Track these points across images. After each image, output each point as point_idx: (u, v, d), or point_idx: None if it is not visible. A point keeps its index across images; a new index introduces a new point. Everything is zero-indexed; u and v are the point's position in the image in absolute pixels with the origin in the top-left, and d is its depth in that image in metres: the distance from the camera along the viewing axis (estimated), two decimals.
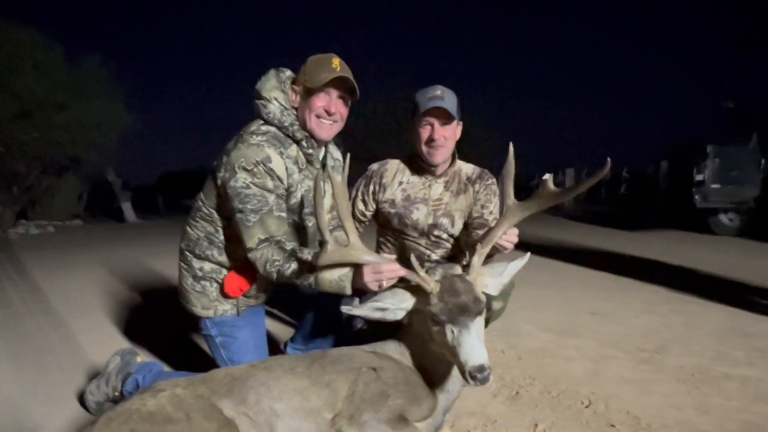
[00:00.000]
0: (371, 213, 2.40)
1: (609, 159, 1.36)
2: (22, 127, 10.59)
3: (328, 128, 1.92)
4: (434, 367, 1.64)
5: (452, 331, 1.46)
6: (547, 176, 1.53)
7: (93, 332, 3.23)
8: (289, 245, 1.74)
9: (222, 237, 1.94)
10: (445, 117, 2.14)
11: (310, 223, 2.01)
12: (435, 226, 2.27)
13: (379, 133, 15.36)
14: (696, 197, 7.51)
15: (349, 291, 1.64)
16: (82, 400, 2.11)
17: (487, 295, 1.63)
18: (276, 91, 1.90)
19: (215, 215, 1.92)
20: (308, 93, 1.87)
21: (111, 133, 12.01)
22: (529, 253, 1.71)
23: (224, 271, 1.95)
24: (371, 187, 2.35)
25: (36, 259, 6.74)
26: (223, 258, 1.95)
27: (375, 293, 1.62)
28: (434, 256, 2.31)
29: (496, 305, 2.27)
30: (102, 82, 11.63)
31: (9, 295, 4.45)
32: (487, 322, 2.31)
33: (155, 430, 1.34)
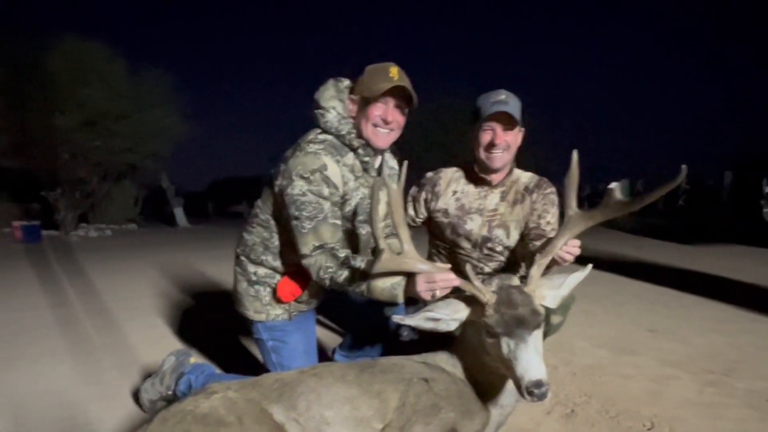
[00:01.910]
0: (420, 220, 2.37)
1: (684, 167, 1.27)
2: (86, 136, 11.20)
3: (384, 137, 1.92)
4: (487, 380, 1.59)
5: (508, 344, 1.41)
6: (614, 185, 1.45)
7: (146, 333, 3.33)
8: (343, 252, 1.74)
9: (277, 243, 1.96)
10: (508, 122, 2.08)
11: (363, 230, 2.00)
12: (489, 238, 2.20)
13: (424, 142, 15.30)
14: (765, 210, 7.08)
15: (401, 300, 1.61)
16: (136, 397, 2.17)
17: (546, 309, 1.56)
18: (334, 101, 1.91)
19: (271, 221, 1.95)
20: (366, 102, 1.88)
21: (167, 142, 12.54)
22: (590, 265, 1.63)
23: (278, 276, 1.98)
24: (423, 195, 2.31)
25: (94, 261, 7.06)
26: (277, 263, 1.97)
27: (427, 303, 1.58)
28: (487, 269, 2.24)
29: (555, 319, 2.17)
30: (161, 92, 12.17)
31: (69, 295, 4.67)
32: (544, 336, 2.21)
33: (208, 431, 1.35)
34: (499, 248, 2.22)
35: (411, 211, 2.35)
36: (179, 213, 14.78)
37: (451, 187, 2.28)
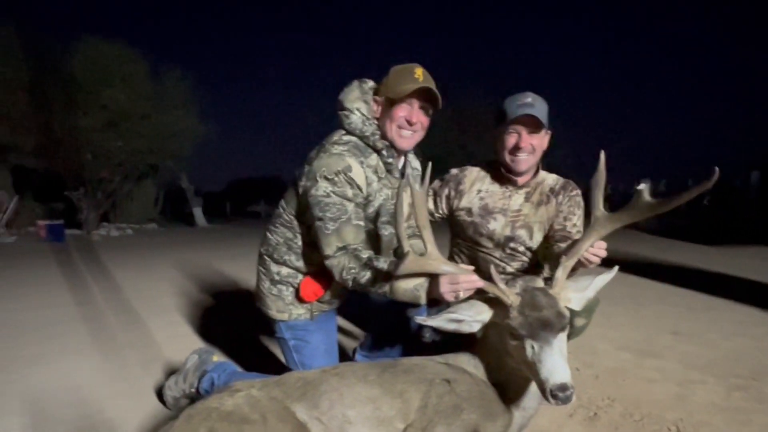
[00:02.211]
0: (440, 216, 2.35)
1: (717, 168, 1.25)
2: (108, 136, 11.42)
3: (408, 138, 1.92)
4: (510, 382, 1.58)
5: (532, 347, 1.40)
6: (643, 185, 1.43)
7: (169, 330, 3.38)
8: (366, 253, 1.74)
9: (300, 243, 1.97)
10: (534, 125, 2.05)
11: (386, 231, 2.00)
12: (512, 238, 2.18)
13: (443, 143, 15.25)
14: None
15: (424, 301, 1.61)
16: (160, 394, 2.20)
17: (571, 311, 1.54)
18: (358, 102, 1.91)
19: (295, 222, 1.96)
20: (390, 103, 1.88)
21: (187, 142, 12.72)
22: (617, 267, 1.61)
23: (300, 276, 1.99)
24: (446, 191, 2.29)
25: (116, 259, 7.19)
26: (300, 263, 1.98)
27: (449, 304, 1.57)
28: (509, 269, 2.22)
29: (579, 322, 2.14)
30: (181, 93, 12.35)
31: (93, 293, 4.76)
32: (568, 339, 2.19)
33: (232, 429, 1.36)
34: (522, 248, 2.20)
35: (431, 206, 2.33)
36: (198, 213, 14.96)
37: (476, 186, 2.26)
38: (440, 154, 14.38)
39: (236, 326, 3.38)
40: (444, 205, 2.31)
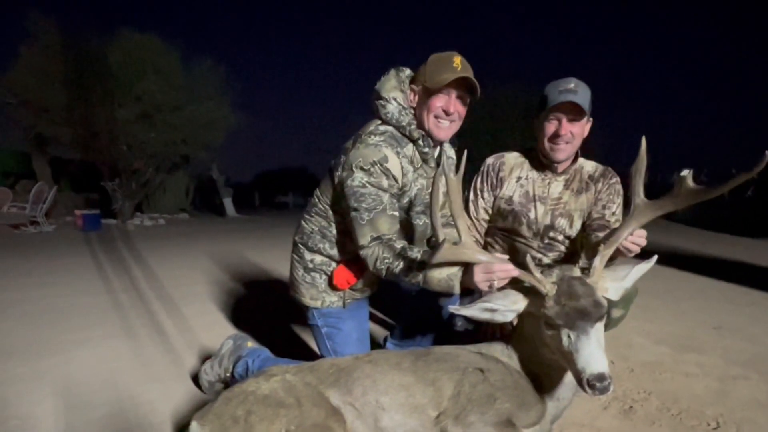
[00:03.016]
0: (486, 219, 2.31)
1: (767, 152, 1.19)
2: (142, 128, 11.68)
3: (446, 128, 1.91)
4: (544, 372, 1.56)
5: (569, 336, 1.37)
6: (686, 172, 1.38)
7: (203, 318, 3.44)
8: (399, 243, 1.74)
9: (334, 231, 1.98)
10: (576, 113, 2.00)
11: (420, 221, 2.00)
12: (551, 227, 2.14)
13: (475, 133, 15.06)
14: None
15: (458, 290, 1.60)
16: (195, 379, 2.25)
17: (608, 302, 1.51)
18: (395, 91, 1.91)
19: (329, 211, 1.97)
20: (427, 93, 1.86)
21: (218, 133, 12.89)
22: (655, 256, 1.57)
23: (334, 264, 2.00)
24: (488, 183, 2.26)
25: (150, 248, 7.36)
26: (334, 252, 1.99)
27: (483, 293, 1.56)
28: (546, 260, 2.18)
29: (616, 313, 2.10)
30: (213, 84, 12.51)
31: (129, 280, 4.88)
32: (604, 329, 2.15)
33: (269, 412, 1.39)
34: (561, 237, 2.15)
35: (482, 203, 2.26)
36: (228, 203, 15.19)
37: (515, 173, 2.22)
38: (472, 144, 14.20)
39: (268, 314, 3.43)
40: (491, 196, 2.26)
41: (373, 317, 3.24)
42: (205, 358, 2.28)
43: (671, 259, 5.57)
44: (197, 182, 15.83)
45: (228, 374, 2.06)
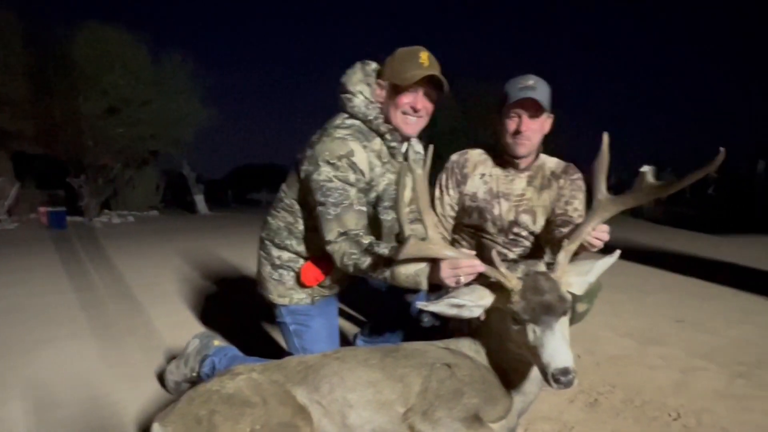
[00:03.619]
0: (452, 216, 2.32)
1: (723, 149, 1.22)
2: (109, 123, 11.37)
3: (414, 124, 1.90)
4: (511, 367, 1.57)
5: (534, 331, 1.39)
6: (646, 168, 1.41)
7: (170, 317, 3.38)
8: (367, 239, 1.73)
9: (301, 227, 1.96)
10: (535, 109, 2.02)
11: (388, 216, 1.99)
12: (516, 222, 2.17)
13: (447, 130, 15.15)
14: None
15: (425, 286, 1.60)
16: (161, 379, 2.20)
17: (573, 297, 1.53)
18: (361, 85, 1.89)
19: (296, 206, 1.95)
20: (395, 89, 1.84)
21: (188, 128, 12.66)
22: (618, 251, 1.59)
23: (301, 261, 1.98)
24: (453, 180, 2.26)
25: (118, 246, 7.19)
26: (301, 248, 1.97)
27: (450, 289, 1.56)
28: (511, 255, 2.21)
29: (581, 307, 2.13)
30: (182, 78, 12.27)
31: (94, 279, 4.76)
32: (569, 324, 2.18)
33: (233, 411, 1.36)
34: (525, 233, 2.18)
35: (448, 200, 2.27)
36: (200, 200, 14.94)
37: (479, 170, 2.24)
38: (445, 140, 14.30)
39: (238, 312, 3.38)
40: (456, 193, 2.27)
41: (344, 313, 3.23)
42: (173, 357, 2.23)
43: (637, 254, 5.71)
44: (168, 179, 15.51)
45: (194, 374, 2.02)
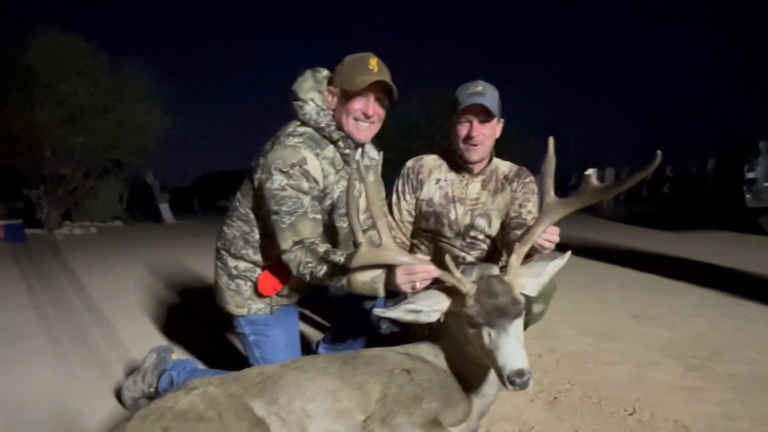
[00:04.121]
0: (410, 221, 2.33)
1: (659, 152, 1.27)
2: (67, 132, 11.05)
3: (366, 130, 1.90)
4: (470, 370, 1.58)
5: (489, 334, 1.40)
6: (590, 171, 1.45)
7: (133, 329, 3.30)
8: (322, 247, 1.72)
9: (257, 236, 1.94)
10: (485, 114, 2.06)
11: (344, 224, 1.99)
12: (472, 226, 2.20)
13: (412, 133, 15.26)
14: (747, 196, 7.13)
15: (382, 293, 1.60)
16: (119, 395, 2.14)
17: (528, 298, 1.56)
18: (312, 92, 1.88)
19: (251, 215, 1.93)
20: (346, 96, 1.84)
21: (150, 137, 12.41)
22: (569, 252, 1.63)
23: (258, 270, 1.96)
24: (410, 184, 2.29)
25: (79, 259, 6.98)
26: (258, 257, 1.95)
27: (407, 295, 1.57)
28: (469, 258, 2.24)
29: (537, 308, 2.18)
30: (142, 86, 12.03)
31: (53, 293, 4.61)
32: (526, 325, 2.22)
33: (188, 428, 1.33)
34: (482, 237, 2.21)
35: (405, 205, 2.29)
36: (165, 209, 14.65)
37: (434, 175, 2.26)
38: (409, 146, 14.41)
39: (202, 323, 3.32)
40: (413, 198, 2.29)
41: (308, 320, 3.21)
42: (132, 372, 2.18)
43: (597, 252, 5.87)
44: (132, 188, 15.16)
45: (152, 389, 1.98)
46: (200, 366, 2.10)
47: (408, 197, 2.29)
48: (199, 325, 3.31)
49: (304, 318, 3.21)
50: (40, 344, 3.05)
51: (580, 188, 1.48)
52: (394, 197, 2.31)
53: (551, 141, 1.54)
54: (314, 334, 2.97)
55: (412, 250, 2.36)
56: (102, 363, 2.67)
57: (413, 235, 2.36)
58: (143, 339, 3.06)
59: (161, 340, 3.03)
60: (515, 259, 1.53)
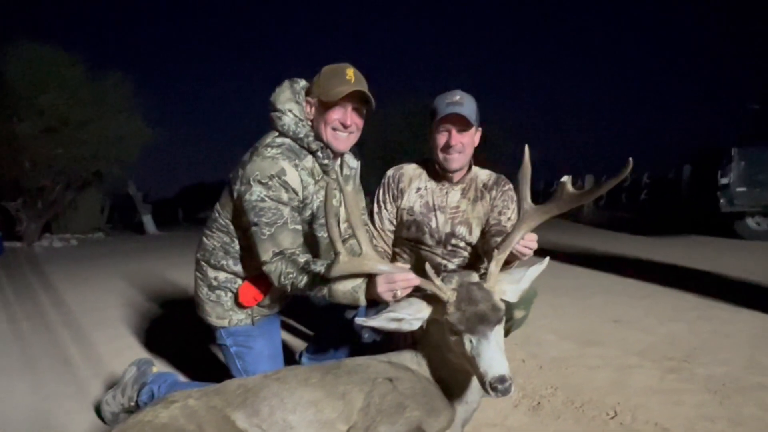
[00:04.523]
0: (391, 229, 2.34)
1: (631, 159, 1.30)
2: (47, 144, 10.87)
3: (344, 140, 1.91)
4: (452, 377, 1.59)
5: (471, 341, 1.41)
6: (566, 178, 1.48)
7: (113, 343, 3.25)
8: (303, 257, 1.72)
9: (237, 247, 1.94)
10: (463, 124, 2.09)
11: (324, 233, 1.99)
12: (452, 234, 2.22)
13: (394, 142, 15.33)
14: (721, 201, 7.28)
15: (363, 302, 1.61)
16: (98, 410, 2.11)
17: (510, 304, 1.57)
18: (290, 103, 1.89)
19: (231, 226, 1.93)
20: (323, 106, 1.86)
21: (132, 148, 12.26)
22: (548, 258, 1.66)
23: (239, 281, 1.95)
24: (391, 193, 2.30)
25: (59, 272, 6.86)
26: (238, 268, 1.94)
27: (389, 304, 1.58)
28: (451, 266, 2.26)
29: (518, 314, 2.20)
30: (123, 97, 11.90)
31: (32, 308, 4.53)
32: (508, 331, 2.24)
33: None
34: (463, 244, 2.23)
35: (385, 214, 2.30)
36: (148, 220, 14.47)
37: (414, 184, 2.28)
38: (392, 156, 14.46)
39: (185, 335, 3.28)
40: (394, 207, 2.31)
41: (292, 329, 3.20)
42: (112, 386, 2.15)
43: (579, 258, 5.93)
44: (114, 199, 14.96)
45: (132, 403, 1.95)
46: (182, 379, 2.08)
47: (389, 206, 2.30)
48: (181, 337, 3.27)
49: (287, 328, 3.20)
50: (15, 360, 2.99)
51: (555, 195, 1.51)
52: (375, 206, 2.33)
53: (527, 149, 1.57)
54: (298, 345, 2.95)
55: (394, 258, 2.37)
56: (80, 378, 2.63)
57: (395, 244, 2.38)
58: (123, 353, 3.02)
59: (142, 354, 2.98)
60: (494, 266, 1.55)
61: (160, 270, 6.55)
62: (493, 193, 2.22)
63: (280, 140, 1.85)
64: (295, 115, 1.87)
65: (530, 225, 1.59)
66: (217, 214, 1.96)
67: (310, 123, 1.91)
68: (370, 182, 2.36)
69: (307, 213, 1.90)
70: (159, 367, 2.19)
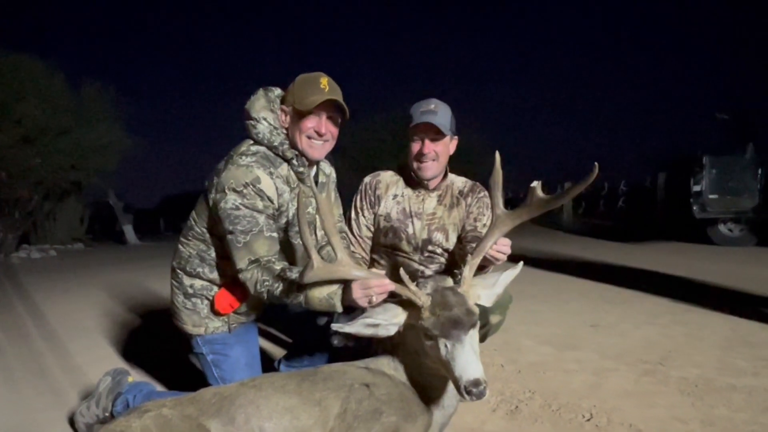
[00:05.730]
0: (369, 236, 2.36)
1: (596, 164, 1.34)
2: (24, 153, 10.66)
3: (319, 148, 1.92)
4: (429, 382, 1.60)
5: (446, 346, 1.43)
6: (535, 183, 1.51)
7: (91, 354, 3.19)
8: (279, 265, 1.73)
9: (213, 255, 1.93)
10: (436, 132, 2.12)
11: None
12: (429, 240, 2.24)
13: (375, 150, 15.38)
14: (694, 208, 7.48)
15: (339, 308, 1.61)
16: (72, 422, 2.07)
17: (486, 309, 1.59)
18: (265, 111, 1.90)
19: (207, 234, 1.92)
20: (298, 115, 1.87)
21: (112, 157, 12.11)
22: (521, 262, 1.69)
23: (215, 288, 1.94)
24: (368, 200, 2.32)
25: (37, 283, 6.72)
26: (214, 275, 1.94)
27: (365, 310, 1.59)
28: (428, 272, 2.28)
29: (494, 319, 2.22)
30: (103, 106, 11.75)
31: (9, 319, 4.42)
32: (485, 336, 2.26)
33: None
34: (439, 251, 2.26)
35: (363, 220, 2.31)
36: (128, 230, 14.26)
37: (391, 191, 2.30)
38: (376, 164, 14.46)
39: (163, 345, 3.23)
40: (371, 213, 2.32)
41: (271, 337, 3.18)
42: (86, 398, 2.11)
43: (557, 264, 6.02)
44: (94, 209, 14.70)
45: (107, 414, 1.92)
46: (158, 388, 2.06)
47: (366, 213, 2.32)
48: (160, 346, 3.23)
49: (266, 335, 3.18)
50: None
51: (526, 200, 1.55)
52: (353, 213, 2.34)
53: (497, 155, 1.61)
54: (277, 352, 2.94)
55: (371, 265, 2.38)
56: (56, 389, 2.58)
57: (372, 250, 2.39)
58: (101, 363, 2.96)
59: (120, 364, 2.94)
60: (468, 270, 1.57)
61: (139, 280, 6.46)
62: (469, 199, 2.25)
63: (255, 148, 1.86)
64: (270, 124, 1.88)
65: (502, 230, 1.62)
66: (193, 222, 1.96)
67: (285, 131, 1.92)
68: (353, 190, 2.38)
69: (283, 221, 1.90)
70: (136, 376, 2.16)
